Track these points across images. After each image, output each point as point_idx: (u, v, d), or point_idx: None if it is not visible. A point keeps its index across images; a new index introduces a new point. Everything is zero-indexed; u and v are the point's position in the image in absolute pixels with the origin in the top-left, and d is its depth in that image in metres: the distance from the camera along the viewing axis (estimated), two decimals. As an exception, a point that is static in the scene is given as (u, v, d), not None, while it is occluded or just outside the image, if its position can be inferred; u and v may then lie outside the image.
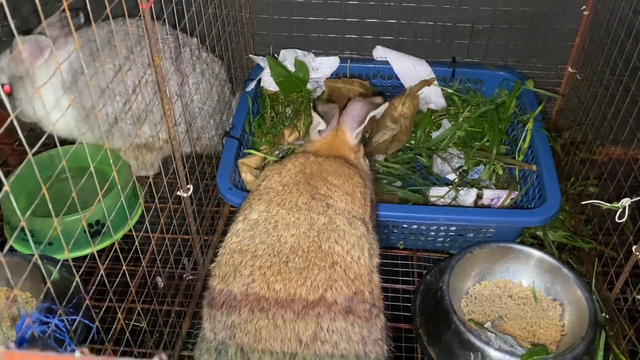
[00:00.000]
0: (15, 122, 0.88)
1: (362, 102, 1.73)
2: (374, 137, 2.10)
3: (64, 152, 2.26)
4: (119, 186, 1.35)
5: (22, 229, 2.02)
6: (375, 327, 1.31)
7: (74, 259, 2.02)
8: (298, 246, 1.31)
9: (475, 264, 1.84)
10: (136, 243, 1.47)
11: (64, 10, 0.89)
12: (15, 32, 0.73)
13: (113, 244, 2.10)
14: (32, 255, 1.93)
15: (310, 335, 1.19)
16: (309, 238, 1.32)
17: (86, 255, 2.04)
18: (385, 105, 1.76)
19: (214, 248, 2.07)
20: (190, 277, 1.95)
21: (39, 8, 0.74)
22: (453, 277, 1.75)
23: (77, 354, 0.53)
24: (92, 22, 1.15)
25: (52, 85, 2.01)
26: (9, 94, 2.10)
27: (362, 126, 1.69)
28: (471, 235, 1.91)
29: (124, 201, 1.49)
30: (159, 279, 1.97)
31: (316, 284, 1.24)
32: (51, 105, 2.04)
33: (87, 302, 1.13)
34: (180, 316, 1.83)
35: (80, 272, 1.19)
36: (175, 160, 1.60)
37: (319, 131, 1.68)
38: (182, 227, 1.84)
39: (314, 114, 1.69)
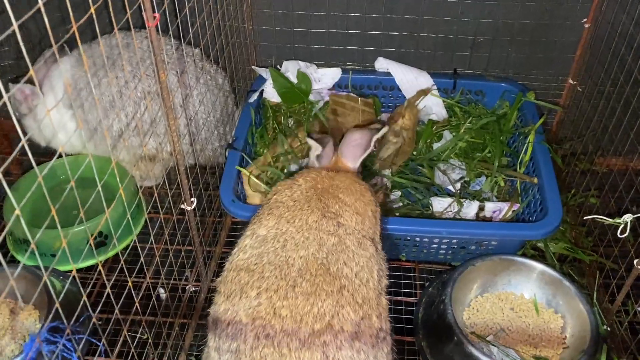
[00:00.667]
0: (21, 134, 0.88)
1: (360, 132, 1.71)
2: (379, 153, 2.11)
3: (70, 163, 2.28)
4: (123, 198, 1.35)
5: (26, 241, 2.03)
6: (382, 352, 1.30)
7: (77, 270, 2.03)
8: (306, 269, 1.28)
9: (477, 276, 1.85)
10: (142, 256, 1.47)
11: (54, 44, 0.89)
12: (29, 64, 0.74)
13: (115, 255, 2.11)
14: (35, 266, 1.95)
15: None
16: (317, 260, 1.30)
17: (88, 267, 2.05)
18: (385, 129, 1.75)
19: (217, 259, 2.07)
20: (193, 289, 1.96)
21: (24, 52, 0.75)
22: (455, 289, 1.75)
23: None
24: (99, 35, 1.16)
25: (57, 109, 2.06)
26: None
27: (368, 152, 1.68)
28: (473, 247, 1.92)
29: (128, 213, 1.49)
30: (161, 290, 1.98)
31: (323, 310, 1.22)
32: (57, 125, 2.09)
33: (95, 318, 1.14)
34: (183, 328, 1.84)
35: (87, 286, 1.20)
36: (179, 174, 1.61)
37: (317, 156, 1.68)
38: (185, 239, 1.85)
39: (309, 140, 1.68)
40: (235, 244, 1.45)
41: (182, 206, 1.69)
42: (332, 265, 1.30)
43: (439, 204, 2.01)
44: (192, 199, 1.69)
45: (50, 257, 2.01)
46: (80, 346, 1.13)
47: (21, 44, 0.73)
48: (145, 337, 1.70)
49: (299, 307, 1.21)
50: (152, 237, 1.55)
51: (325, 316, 1.21)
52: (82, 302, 1.07)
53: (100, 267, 1.26)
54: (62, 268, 2.02)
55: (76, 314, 1.11)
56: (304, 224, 1.38)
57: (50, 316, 1.10)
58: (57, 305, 1.00)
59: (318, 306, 1.22)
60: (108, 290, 1.17)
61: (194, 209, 1.71)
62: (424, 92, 2.30)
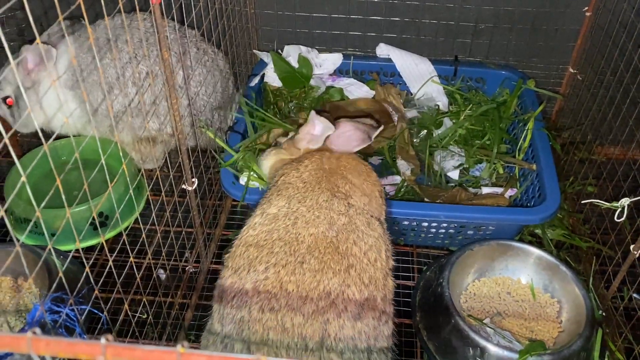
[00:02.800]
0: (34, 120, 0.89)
1: (351, 123, 1.68)
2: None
3: (67, 145, 2.29)
4: (126, 173, 1.36)
5: (26, 220, 2.04)
6: (382, 335, 1.31)
7: (77, 251, 2.04)
8: (315, 246, 1.29)
9: (474, 260, 1.86)
10: (143, 235, 1.48)
11: (65, 18, 0.90)
12: (37, 36, 0.75)
13: (115, 236, 2.12)
14: (37, 246, 1.96)
15: (317, 342, 1.19)
16: (327, 238, 1.32)
17: (88, 247, 2.06)
18: (381, 129, 1.74)
19: (217, 241, 2.09)
20: (193, 269, 1.97)
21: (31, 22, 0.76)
22: (453, 273, 1.77)
23: (103, 340, 0.55)
24: (106, 16, 1.17)
25: (59, 85, 2.04)
26: (10, 106, 2.14)
27: (362, 146, 1.66)
28: (471, 232, 1.93)
29: (132, 193, 1.50)
30: (161, 271, 1.99)
31: (329, 289, 1.24)
32: (56, 107, 2.07)
33: (97, 292, 1.15)
34: (183, 308, 1.85)
35: (88, 264, 1.21)
36: (181, 154, 1.62)
37: (316, 137, 1.66)
38: (185, 221, 1.86)
39: (318, 118, 1.62)
40: (245, 223, 1.46)
41: (184, 186, 1.70)
42: (341, 244, 1.31)
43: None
44: (193, 179, 1.71)
45: (51, 237, 2.02)
46: (83, 316, 1.15)
47: (30, 16, 0.74)
48: (145, 317, 1.72)
49: (306, 284, 1.23)
50: (153, 217, 1.56)
51: (331, 294, 1.23)
52: (84, 275, 1.08)
53: (103, 244, 1.27)
54: (62, 248, 2.03)
55: (78, 286, 1.12)
56: (314, 204, 1.39)
57: (54, 286, 1.11)
58: (60, 274, 1.02)
59: (324, 284, 1.23)
60: (110, 263, 1.18)
61: (195, 189, 1.72)
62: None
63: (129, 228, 2.10)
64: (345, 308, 1.23)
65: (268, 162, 1.78)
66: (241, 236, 1.39)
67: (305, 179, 1.47)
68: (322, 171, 1.50)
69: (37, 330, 0.56)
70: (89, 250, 2.04)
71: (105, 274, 1.37)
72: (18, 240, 0.98)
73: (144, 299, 1.52)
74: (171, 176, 1.65)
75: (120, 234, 1.97)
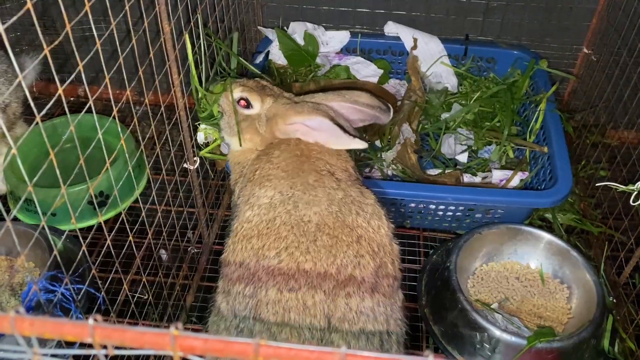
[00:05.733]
0: (25, 88, 0.86)
1: (329, 120, 1.51)
2: (399, 114, 2.06)
3: (66, 122, 2.24)
4: (127, 156, 1.32)
5: (27, 200, 2.00)
6: (396, 305, 1.31)
7: (78, 229, 2.00)
8: (324, 223, 1.27)
9: (483, 244, 1.82)
10: (142, 214, 1.45)
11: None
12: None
13: (116, 216, 2.08)
14: (36, 225, 1.92)
15: (339, 317, 1.17)
16: (332, 214, 1.29)
17: (89, 227, 2.02)
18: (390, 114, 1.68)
19: (219, 222, 2.05)
20: (195, 250, 1.93)
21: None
22: (460, 257, 1.73)
23: (91, 321, 0.50)
24: (112, 17, 1.11)
25: None
26: None
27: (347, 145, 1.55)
28: (479, 215, 1.88)
29: (131, 171, 1.46)
30: (163, 251, 1.96)
31: (345, 261, 1.22)
32: None
33: (94, 272, 1.11)
34: (184, 289, 1.82)
35: (85, 243, 1.17)
36: (182, 131, 1.57)
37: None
38: (187, 201, 1.82)
39: (317, 113, 1.49)
40: (232, 223, 1.42)
41: (185, 165, 1.65)
42: (346, 217, 1.30)
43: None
44: (195, 158, 1.66)
45: (50, 217, 1.99)
46: (79, 296, 1.11)
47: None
48: (145, 297, 1.68)
49: (322, 260, 1.21)
50: (154, 196, 1.52)
51: (348, 267, 1.21)
52: (80, 253, 1.04)
53: (102, 224, 1.24)
54: (63, 227, 2.00)
55: (74, 264, 1.08)
56: (307, 185, 1.36)
57: (48, 264, 1.07)
58: (55, 252, 0.98)
59: (340, 257, 1.22)
60: (108, 242, 1.14)
61: (197, 168, 1.68)
62: (414, 47, 2.25)
63: (127, 208, 2.07)
64: (363, 279, 1.21)
65: (237, 142, 1.64)
66: (236, 232, 1.34)
67: (284, 168, 1.43)
68: (297, 157, 1.46)
69: (21, 309, 0.52)
70: (89, 230, 2.01)
71: (105, 253, 1.33)
72: (10, 216, 0.94)
73: (144, 280, 1.49)
74: (172, 155, 1.61)
75: (121, 214, 1.94)
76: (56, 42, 0.90)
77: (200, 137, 1.71)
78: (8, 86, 2.04)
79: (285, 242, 1.25)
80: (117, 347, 0.53)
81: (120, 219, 1.36)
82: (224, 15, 1.85)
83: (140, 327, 0.51)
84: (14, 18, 0.83)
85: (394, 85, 2.31)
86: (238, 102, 1.58)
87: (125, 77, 1.16)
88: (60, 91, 0.94)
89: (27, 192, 0.98)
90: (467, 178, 1.98)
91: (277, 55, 2.23)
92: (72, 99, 2.61)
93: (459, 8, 2.24)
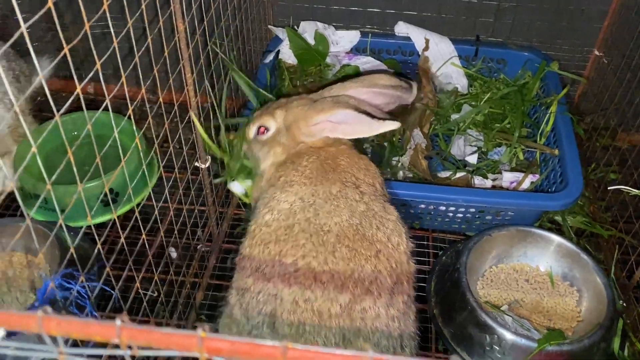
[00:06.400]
0: (46, 88, 0.86)
1: (354, 110, 1.50)
2: (409, 118, 2.06)
3: (79, 119, 2.25)
4: (141, 154, 1.32)
5: (36, 196, 2.01)
6: (409, 319, 1.29)
7: (88, 227, 2.01)
8: (343, 235, 1.25)
9: (493, 246, 1.82)
10: (155, 212, 1.45)
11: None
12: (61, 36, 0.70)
13: (126, 213, 2.08)
14: (47, 221, 1.93)
15: (354, 332, 1.16)
16: (352, 226, 1.28)
17: (98, 225, 2.03)
18: (414, 89, 1.66)
19: (229, 220, 2.05)
20: (205, 248, 1.94)
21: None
22: (470, 258, 1.73)
23: (118, 322, 0.51)
24: (128, 17, 1.11)
25: None
26: None
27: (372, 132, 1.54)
28: (489, 217, 1.88)
29: (145, 169, 1.46)
30: (172, 249, 1.96)
31: (363, 276, 1.20)
32: None
33: (108, 269, 1.12)
34: (194, 287, 1.83)
35: (100, 241, 1.18)
36: (195, 130, 1.57)
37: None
38: (197, 199, 1.82)
39: (339, 106, 1.48)
40: (250, 224, 1.40)
41: (196, 164, 1.66)
42: (367, 231, 1.28)
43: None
44: (207, 157, 1.66)
45: (62, 213, 1.99)
46: (94, 294, 1.12)
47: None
48: (155, 295, 1.69)
49: (340, 273, 1.19)
50: (166, 194, 1.52)
51: (365, 281, 1.19)
52: (95, 251, 1.05)
53: (116, 221, 1.24)
54: (73, 224, 2.00)
55: (89, 263, 1.09)
56: (329, 195, 1.34)
57: (64, 262, 1.07)
58: (71, 250, 0.98)
59: (358, 271, 1.20)
60: (122, 240, 1.14)
61: (208, 167, 1.68)
62: (426, 48, 2.24)
63: (140, 205, 2.07)
64: (380, 295, 1.20)
65: (267, 162, 1.62)
66: (253, 235, 1.33)
67: (308, 175, 1.41)
68: (323, 167, 1.44)
69: (48, 308, 0.53)
70: (99, 227, 2.01)
71: (116, 251, 1.34)
72: (28, 215, 0.94)
73: (156, 277, 1.49)
74: (184, 153, 1.61)
75: (130, 212, 1.94)
76: (75, 41, 0.90)
77: (238, 188, 1.72)
78: (16, 84, 2.05)
79: (303, 250, 1.23)
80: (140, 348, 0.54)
81: (134, 216, 1.36)
82: (236, 14, 1.85)
83: (167, 328, 0.51)
84: (36, 17, 0.84)
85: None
86: (257, 134, 1.60)
87: (140, 75, 1.16)
88: (78, 89, 0.94)
89: (45, 190, 0.98)
90: (477, 181, 1.98)
91: (287, 55, 2.23)
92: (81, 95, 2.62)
93: (470, 9, 2.23)
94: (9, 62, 2.02)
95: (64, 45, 0.87)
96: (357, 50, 2.32)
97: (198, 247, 1.93)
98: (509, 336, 1.55)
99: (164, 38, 1.27)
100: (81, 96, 0.94)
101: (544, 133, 2.01)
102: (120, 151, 1.25)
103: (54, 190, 2.11)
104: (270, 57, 2.18)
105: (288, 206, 1.33)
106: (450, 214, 1.88)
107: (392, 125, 1.44)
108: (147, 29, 1.16)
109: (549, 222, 1.96)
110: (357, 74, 2.23)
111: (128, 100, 1.18)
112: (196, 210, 1.78)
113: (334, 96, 1.53)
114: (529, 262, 1.84)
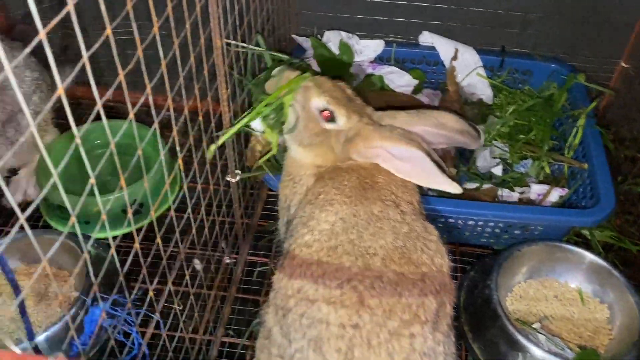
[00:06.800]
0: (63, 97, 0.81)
1: (424, 153, 1.39)
2: None
3: (99, 127, 2.23)
4: (163, 163, 1.29)
5: (60, 207, 1.99)
6: (451, 341, 1.27)
7: (112, 238, 1.99)
8: (390, 259, 1.22)
9: (521, 262, 1.80)
10: (181, 223, 1.42)
11: None
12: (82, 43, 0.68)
13: (149, 224, 2.06)
14: (70, 233, 1.91)
15: (404, 358, 1.13)
16: (398, 249, 1.25)
17: (123, 235, 2.01)
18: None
19: (253, 231, 2.03)
20: (229, 260, 1.92)
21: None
22: (500, 274, 1.71)
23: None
24: (154, 18, 1.09)
25: None
26: None
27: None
28: (518, 232, 1.86)
29: (165, 180, 1.44)
30: (197, 261, 1.94)
31: (410, 300, 1.18)
32: None
33: (151, 293, 1.10)
34: (219, 300, 1.81)
35: (120, 252, 1.15)
36: (227, 145, 1.55)
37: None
38: (219, 210, 1.79)
39: (411, 144, 1.37)
40: (289, 243, 1.35)
41: (227, 178, 1.64)
42: (412, 254, 1.25)
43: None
44: (237, 171, 1.65)
45: (84, 224, 1.97)
46: (139, 320, 1.10)
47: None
48: (180, 308, 1.67)
49: (387, 297, 1.16)
50: (189, 204, 1.49)
51: (412, 306, 1.17)
52: (124, 269, 1.03)
53: (133, 231, 1.22)
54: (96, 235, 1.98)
55: (135, 289, 1.07)
56: (370, 215, 1.30)
57: (114, 292, 1.05)
58: (121, 277, 0.96)
59: (405, 296, 1.17)
60: (155, 251, 1.12)
61: (238, 181, 1.66)
62: (454, 58, 2.22)
63: (168, 217, 2.05)
64: (426, 319, 1.17)
65: (303, 155, 1.53)
66: (292, 256, 1.28)
67: (348, 194, 1.36)
68: (362, 185, 1.39)
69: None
70: (123, 238, 1.99)
71: (137, 263, 1.31)
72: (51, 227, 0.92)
73: (191, 293, 1.47)
74: (206, 167, 1.58)
75: (151, 223, 1.91)
76: (94, 48, 0.87)
77: (258, 126, 1.55)
78: (39, 94, 2.03)
79: (348, 273, 1.20)
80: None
81: (164, 227, 1.33)
82: (265, 25, 1.83)
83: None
84: (55, 20, 0.80)
85: (428, 95, 2.28)
86: (321, 112, 1.47)
87: (165, 83, 1.12)
88: (105, 97, 0.90)
89: (79, 205, 0.94)
90: (504, 193, 1.96)
91: (311, 65, 2.20)
92: (110, 103, 2.59)
93: (496, 19, 2.21)
94: (32, 71, 2.00)
95: (84, 53, 0.80)
96: (380, 59, 2.30)
97: (223, 259, 1.91)
98: (541, 354, 1.53)
99: (202, 48, 1.25)
100: (101, 109, 0.88)
101: (572, 146, 1.99)
102: (142, 163, 1.22)
103: (75, 202, 2.09)
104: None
105: (329, 227, 1.29)
106: (479, 229, 1.86)
107: (456, 189, 1.37)
108: (190, 44, 1.14)
109: (575, 236, 1.95)
110: (381, 84, 2.22)
111: (153, 111, 1.16)
112: (220, 222, 1.76)
113: (404, 130, 1.43)
114: (558, 278, 1.82)
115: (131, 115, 1.01)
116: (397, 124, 1.48)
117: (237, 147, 1.64)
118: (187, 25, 1.08)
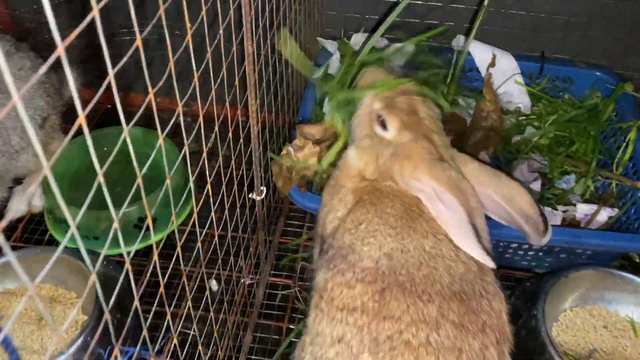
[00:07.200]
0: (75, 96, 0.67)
1: (459, 203, 1.18)
2: (469, 140, 1.89)
3: (109, 134, 2.08)
4: (190, 175, 1.15)
5: (65, 221, 1.85)
6: None
7: (120, 255, 1.85)
8: (447, 307, 1.07)
9: (568, 288, 1.65)
10: (198, 242, 1.28)
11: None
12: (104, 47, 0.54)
13: (161, 240, 1.92)
14: (76, 249, 1.77)
15: None
16: (456, 295, 1.09)
17: (134, 252, 1.87)
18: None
19: (275, 250, 1.89)
20: (249, 281, 1.77)
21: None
22: (547, 303, 1.57)
23: None
24: (188, 23, 0.95)
25: None
26: None
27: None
28: (563, 255, 1.72)
29: (181, 192, 1.29)
30: (213, 282, 1.80)
31: (471, 355, 1.03)
32: None
33: (175, 338, 0.95)
34: (240, 327, 1.66)
35: (141, 280, 1.01)
36: (255, 159, 1.40)
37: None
38: (236, 225, 1.64)
39: (459, 194, 1.18)
40: (322, 281, 1.19)
41: (251, 195, 1.49)
42: (471, 300, 1.09)
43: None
44: (262, 188, 1.50)
45: (93, 240, 1.83)
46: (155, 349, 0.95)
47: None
48: (194, 333, 1.52)
49: (446, 354, 1.01)
50: (212, 218, 1.35)
51: None
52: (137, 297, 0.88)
53: (150, 247, 1.07)
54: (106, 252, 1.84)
55: (159, 335, 0.92)
56: (422, 252, 1.14)
57: (139, 344, 0.91)
58: (144, 333, 0.82)
59: (466, 351, 1.02)
60: (170, 271, 0.98)
61: (263, 199, 1.52)
62: (492, 64, 2.06)
63: (186, 232, 1.91)
64: None
65: (353, 156, 1.38)
66: (331, 297, 1.12)
67: (393, 225, 1.19)
68: (408, 214, 1.21)
69: None
70: (134, 256, 1.85)
71: (152, 284, 1.17)
72: (57, 243, 0.78)
73: (212, 317, 1.32)
74: (221, 184, 1.44)
75: (162, 239, 1.76)
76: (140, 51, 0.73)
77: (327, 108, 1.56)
78: (46, 99, 1.89)
79: (399, 325, 1.04)
80: None
81: (166, 244, 1.19)
82: (293, 26, 1.68)
83: None
84: (79, 29, 0.66)
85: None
86: (378, 117, 1.34)
87: (174, 87, 0.98)
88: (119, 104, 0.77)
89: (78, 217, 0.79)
90: (547, 212, 1.81)
91: (337, 70, 2.05)
92: (109, 106, 2.45)
93: (536, 23, 2.06)
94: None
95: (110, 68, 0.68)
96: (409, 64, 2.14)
97: (241, 280, 1.77)
98: (596, 395, 1.39)
99: (235, 59, 1.10)
100: (121, 112, 0.74)
101: (622, 162, 1.84)
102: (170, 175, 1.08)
103: (85, 216, 1.94)
104: (320, 72, 2.01)
105: (373, 264, 1.13)
106: (522, 252, 1.72)
107: (490, 264, 1.17)
108: (222, 48, 0.99)
109: (621, 258, 1.80)
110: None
111: (181, 119, 1.02)
112: (237, 240, 1.62)
113: (460, 176, 1.24)
114: (607, 306, 1.68)
115: (158, 130, 0.86)
116: (465, 171, 1.28)
117: (263, 161, 1.49)
118: (221, 31, 0.94)
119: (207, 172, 1.09)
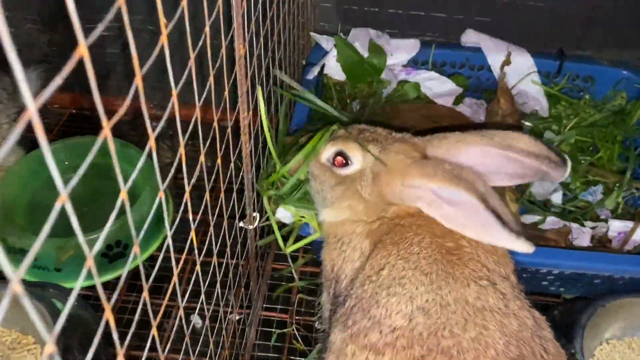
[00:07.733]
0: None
1: (477, 198, 0.99)
2: None
3: (70, 146, 1.81)
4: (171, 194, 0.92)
5: (22, 251, 1.57)
6: None
7: (88, 288, 1.59)
8: None
9: (605, 319, 1.46)
10: (179, 268, 1.04)
11: None
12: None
13: (131, 270, 1.66)
14: (38, 283, 1.51)
15: None
16: None
17: (102, 284, 1.61)
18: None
19: (267, 278, 1.65)
20: (238, 316, 1.53)
21: None
22: (584, 338, 1.37)
23: None
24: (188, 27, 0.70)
25: None
26: None
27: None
28: (597, 281, 1.51)
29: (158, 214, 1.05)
30: (196, 318, 1.55)
31: None
32: None
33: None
34: (229, 373, 1.42)
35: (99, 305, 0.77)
36: (246, 181, 1.16)
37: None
38: (223, 249, 1.40)
39: (460, 185, 0.99)
40: (341, 338, 0.97)
41: (241, 224, 1.24)
42: None
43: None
44: (255, 214, 1.25)
45: (54, 272, 1.57)
46: None
47: None
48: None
49: None
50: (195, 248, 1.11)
51: None
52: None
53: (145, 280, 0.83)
54: (69, 285, 1.58)
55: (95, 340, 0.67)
56: (464, 306, 0.91)
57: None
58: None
59: None
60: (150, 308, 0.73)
61: (256, 228, 1.27)
62: (507, 62, 1.85)
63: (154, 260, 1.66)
64: None
65: (334, 214, 1.17)
66: None
67: (424, 269, 0.96)
68: (442, 254, 0.98)
69: None
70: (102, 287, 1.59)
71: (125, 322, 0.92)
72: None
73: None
74: (213, 212, 1.19)
75: (137, 267, 1.51)
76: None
77: (286, 215, 1.27)
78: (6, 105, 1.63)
79: None
80: None
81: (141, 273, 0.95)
82: (286, 21, 1.44)
83: None
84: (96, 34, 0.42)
85: (470, 105, 1.92)
86: (332, 161, 1.14)
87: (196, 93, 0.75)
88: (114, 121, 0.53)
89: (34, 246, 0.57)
90: (573, 229, 1.60)
91: (333, 69, 1.81)
92: (73, 111, 2.18)
93: (555, 18, 1.85)
94: None
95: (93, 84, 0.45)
96: (414, 62, 1.91)
97: (229, 316, 1.52)
98: None
99: (224, 57, 0.86)
100: (107, 118, 0.52)
101: (655, 172, 1.64)
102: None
103: (45, 244, 1.66)
104: (315, 71, 1.77)
105: (405, 322, 0.90)
106: (551, 277, 1.51)
107: (527, 247, 0.96)
108: (209, 54, 0.75)
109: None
110: (418, 93, 1.84)
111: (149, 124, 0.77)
112: (226, 267, 1.37)
113: (455, 165, 1.04)
114: (646, 338, 1.48)
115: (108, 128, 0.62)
116: (446, 145, 1.10)
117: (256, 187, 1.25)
118: (207, 26, 0.70)
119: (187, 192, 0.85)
